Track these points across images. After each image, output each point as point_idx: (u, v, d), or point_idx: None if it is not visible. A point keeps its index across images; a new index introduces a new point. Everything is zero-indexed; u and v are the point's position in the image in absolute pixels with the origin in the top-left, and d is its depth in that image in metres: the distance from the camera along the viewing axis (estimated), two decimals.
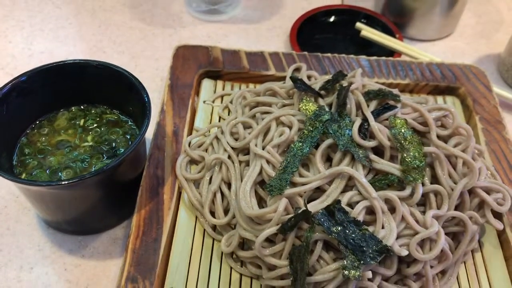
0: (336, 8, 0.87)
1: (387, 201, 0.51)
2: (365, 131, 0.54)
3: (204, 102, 0.68)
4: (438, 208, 0.52)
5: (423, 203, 0.53)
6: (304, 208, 0.49)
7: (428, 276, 0.50)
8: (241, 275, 0.54)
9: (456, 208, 0.53)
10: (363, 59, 0.71)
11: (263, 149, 0.55)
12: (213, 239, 0.56)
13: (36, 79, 0.58)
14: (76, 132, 0.60)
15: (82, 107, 0.63)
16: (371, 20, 0.84)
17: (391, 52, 0.79)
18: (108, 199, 0.57)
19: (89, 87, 0.61)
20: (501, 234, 0.57)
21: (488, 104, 0.68)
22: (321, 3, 0.88)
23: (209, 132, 0.64)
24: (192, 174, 0.59)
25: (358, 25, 0.82)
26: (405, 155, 0.52)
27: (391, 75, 0.70)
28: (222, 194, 0.57)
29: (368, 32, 0.81)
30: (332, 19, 0.86)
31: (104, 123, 0.61)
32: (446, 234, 0.53)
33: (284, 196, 0.50)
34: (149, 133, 0.62)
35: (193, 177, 0.58)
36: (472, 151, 0.55)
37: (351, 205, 0.50)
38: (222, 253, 0.55)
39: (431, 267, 0.51)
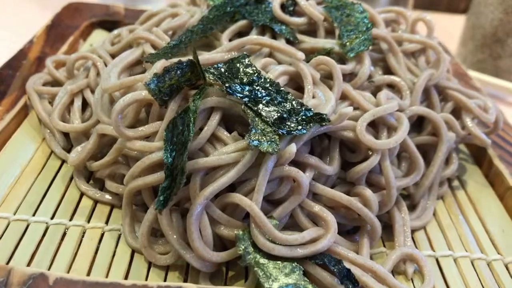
0: None
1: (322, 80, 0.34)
2: (291, 12, 0.39)
3: (91, 45, 0.53)
4: None
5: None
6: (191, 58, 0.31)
7: (389, 176, 0.31)
8: (96, 203, 0.34)
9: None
10: None
11: None
12: (62, 162, 0.37)
13: None
14: None
15: None
16: None
17: None
18: None
19: None
20: (488, 171, 0.40)
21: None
22: None
23: None
24: (46, 88, 0.41)
25: None
26: (342, 27, 0.37)
27: None
28: (85, 102, 0.38)
29: None
30: None
31: None
32: None
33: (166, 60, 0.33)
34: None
35: (48, 90, 0.41)
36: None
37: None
38: (71, 177, 0.35)
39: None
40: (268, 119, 0.29)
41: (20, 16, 0.67)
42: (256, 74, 0.31)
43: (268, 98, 0.30)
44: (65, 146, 0.37)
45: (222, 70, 0.31)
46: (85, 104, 0.39)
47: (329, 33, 0.39)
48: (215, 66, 0.31)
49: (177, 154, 0.28)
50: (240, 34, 0.39)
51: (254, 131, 0.28)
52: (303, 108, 0.30)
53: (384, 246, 0.33)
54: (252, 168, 0.29)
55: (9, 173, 0.34)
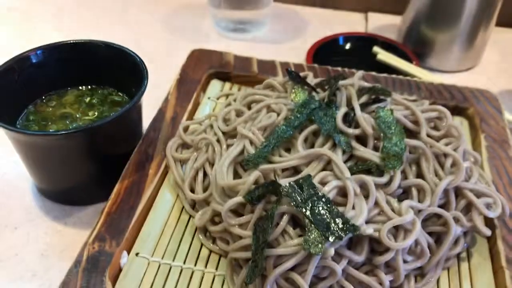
0: (356, 35, 0.88)
1: (363, 186, 0.49)
2: (351, 121, 0.53)
3: (208, 98, 0.70)
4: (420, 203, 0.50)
5: (405, 198, 0.51)
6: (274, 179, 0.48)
7: (399, 267, 0.47)
8: (210, 252, 0.53)
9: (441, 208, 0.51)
10: (372, 74, 0.72)
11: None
12: (190, 216, 0.56)
13: (50, 54, 0.63)
14: (80, 107, 0.63)
15: (90, 86, 0.66)
16: (391, 48, 0.85)
17: None
18: (97, 169, 0.58)
19: (99, 67, 0.65)
20: (492, 246, 0.53)
21: (497, 125, 0.65)
22: (345, 31, 0.90)
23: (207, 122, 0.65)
24: (180, 154, 0.59)
25: (375, 49, 0.83)
26: (386, 143, 0.51)
27: (398, 91, 0.69)
28: (205, 174, 0.57)
29: (384, 56, 0.81)
30: (351, 45, 0.88)
31: (108, 102, 0.64)
32: (429, 233, 0.50)
33: (258, 170, 0.50)
34: (150, 118, 0.64)
35: (180, 156, 0.59)
36: (463, 151, 0.53)
37: (325, 185, 0.49)
38: (195, 230, 0.54)
39: (406, 262, 0.48)
40: (318, 227, 0.45)
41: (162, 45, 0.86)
42: (316, 191, 0.47)
43: (320, 210, 0.46)
44: (192, 204, 0.56)
45: (293, 185, 0.47)
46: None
47: (377, 139, 0.53)
48: (289, 183, 0.47)
49: (260, 244, 0.46)
50: (313, 133, 0.54)
51: (307, 237, 0.45)
52: (343, 219, 0.46)
53: None
54: (306, 258, 0.46)
55: (156, 226, 0.54)
